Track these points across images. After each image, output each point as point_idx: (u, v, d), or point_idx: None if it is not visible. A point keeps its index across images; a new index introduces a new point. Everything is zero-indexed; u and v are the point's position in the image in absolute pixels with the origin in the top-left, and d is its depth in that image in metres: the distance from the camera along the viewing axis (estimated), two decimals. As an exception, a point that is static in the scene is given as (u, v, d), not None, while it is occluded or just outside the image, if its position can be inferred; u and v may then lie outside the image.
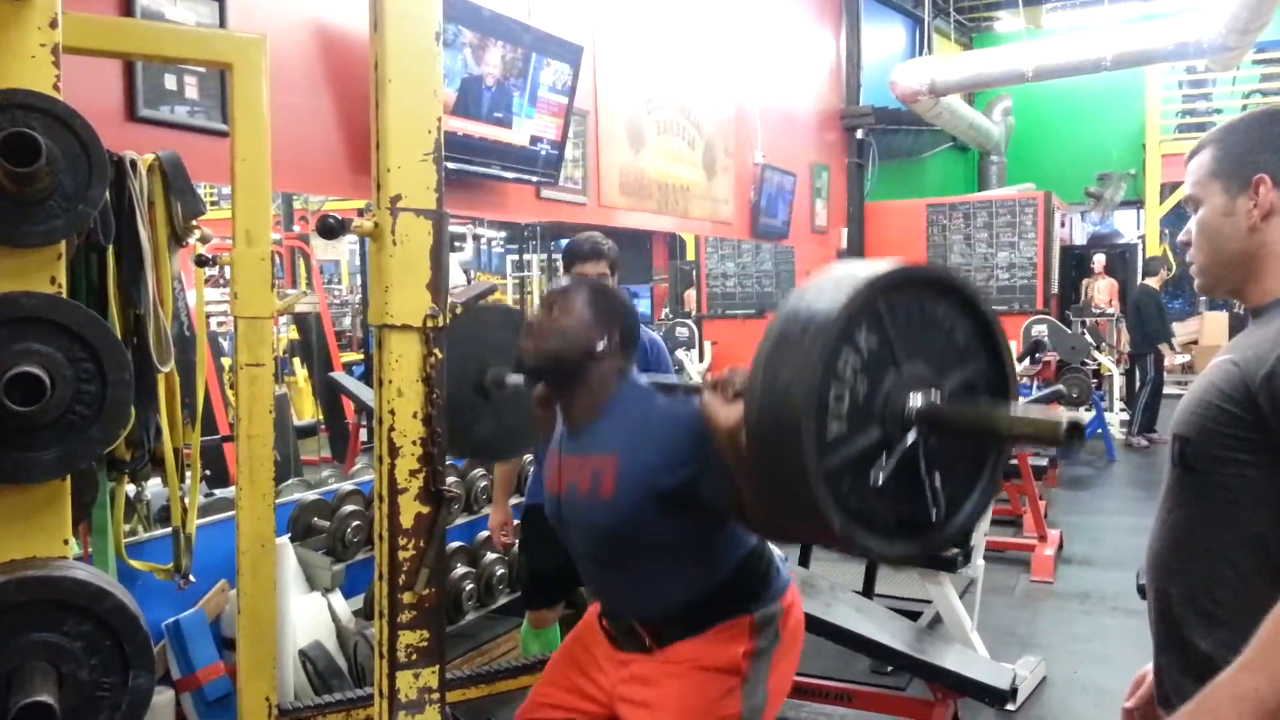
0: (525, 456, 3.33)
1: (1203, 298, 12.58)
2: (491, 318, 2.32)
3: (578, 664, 1.93)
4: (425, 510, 1.58)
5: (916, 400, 1.20)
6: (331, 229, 1.58)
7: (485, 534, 3.55)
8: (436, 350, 1.57)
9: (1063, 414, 1.11)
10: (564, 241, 3.38)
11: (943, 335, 1.27)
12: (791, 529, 1.36)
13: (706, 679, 1.73)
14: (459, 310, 1.68)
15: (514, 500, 3.27)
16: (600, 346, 1.77)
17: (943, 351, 1.26)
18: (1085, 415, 1.20)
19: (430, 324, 1.57)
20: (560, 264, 3.18)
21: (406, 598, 1.57)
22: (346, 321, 8.32)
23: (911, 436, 1.19)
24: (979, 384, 1.29)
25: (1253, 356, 1.12)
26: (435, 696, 1.60)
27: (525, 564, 2.99)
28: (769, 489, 1.25)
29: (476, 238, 10.06)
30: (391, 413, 1.55)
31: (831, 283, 1.21)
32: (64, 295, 1.47)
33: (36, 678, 1.34)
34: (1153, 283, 8.13)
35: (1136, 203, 10.95)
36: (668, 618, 1.76)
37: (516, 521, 3.13)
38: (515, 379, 2.00)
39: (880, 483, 1.19)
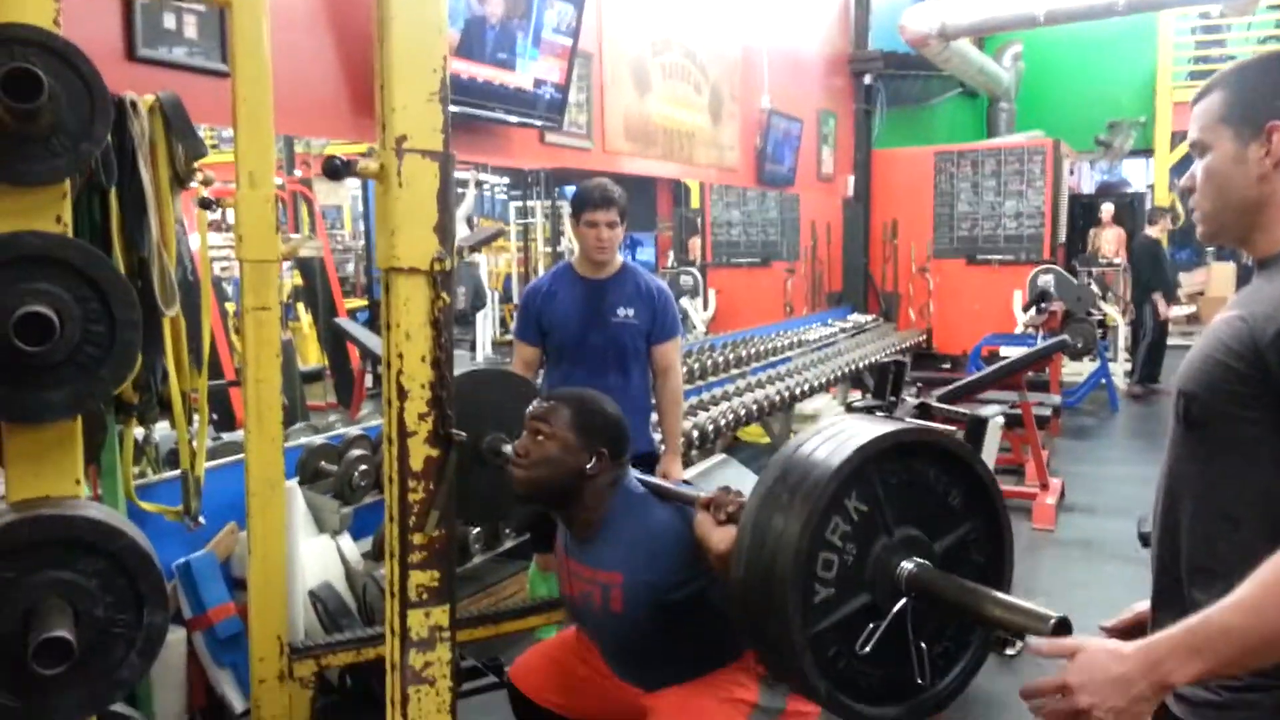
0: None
1: (1209, 248, 12.51)
2: (488, 382, 2.34)
3: (566, 678, 2.06)
4: (434, 453, 1.58)
5: (907, 566, 1.19)
6: (337, 170, 1.55)
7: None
8: (444, 294, 1.56)
9: (1050, 614, 1.10)
10: (568, 188, 3.35)
11: (936, 497, 1.26)
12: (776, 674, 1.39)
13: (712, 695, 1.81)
14: (466, 253, 1.67)
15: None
16: (590, 466, 1.81)
17: (936, 513, 1.25)
18: (1066, 623, 1.23)
19: (438, 267, 1.55)
20: (569, 210, 3.15)
21: (417, 539, 1.58)
22: (350, 267, 8.29)
23: (901, 603, 1.19)
24: (973, 543, 1.28)
25: (1261, 312, 1.10)
26: (446, 634, 1.62)
27: (530, 512, 3.01)
28: (757, 645, 1.27)
29: (479, 184, 9.98)
30: (400, 356, 1.55)
31: (823, 445, 1.21)
32: (70, 235, 1.47)
33: (53, 614, 1.36)
34: (1153, 232, 8.07)
35: (1146, 151, 10.83)
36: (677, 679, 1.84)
37: None
38: (510, 449, 2.03)
39: (868, 650, 1.19)
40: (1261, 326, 1.09)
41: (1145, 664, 1.02)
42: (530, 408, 1.90)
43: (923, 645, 1.22)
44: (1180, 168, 10.36)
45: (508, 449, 2.07)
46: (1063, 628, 1.09)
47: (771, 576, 1.16)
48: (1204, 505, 1.17)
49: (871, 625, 1.19)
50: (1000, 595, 1.18)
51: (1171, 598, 1.22)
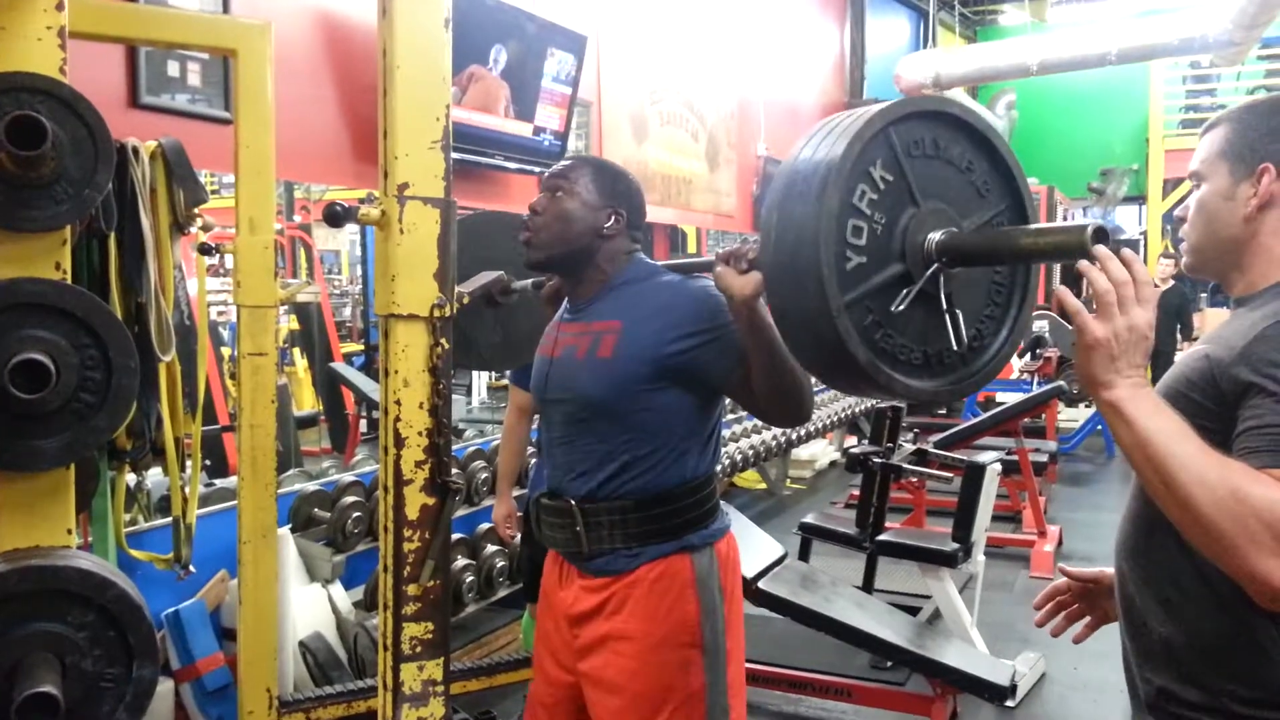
0: (528, 451, 3.32)
1: (1204, 293, 12.58)
2: (497, 226, 2.29)
3: (546, 645, 1.84)
4: (431, 502, 1.57)
5: (936, 234, 1.19)
6: (338, 216, 1.56)
7: (486, 525, 3.54)
8: (443, 340, 1.56)
9: (1088, 221, 1.07)
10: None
11: (960, 174, 1.25)
12: (816, 372, 1.34)
13: (662, 657, 1.65)
14: (465, 301, 1.67)
15: (517, 493, 3.26)
16: (608, 226, 1.73)
17: (962, 192, 1.25)
18: (1103, 230, 1.19)
19: (437, 314, 1.55)
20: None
21: (411, 590, 1.56)
22: (346, 312, 8.30)
23: (933, 268, 1.18)
24: (1001, 225, 1.28)
25: (1223, 347, 1.10)
26: (440, 689, 1.59)
27: (529, 556, 2.98)
28: (792, 329, 1.24)
29: (477, 228, 10.03)
30: (398, 403, 1.54)
31: (838, 123, 1.20)
32: (69, 282, 1.46)
33: (40, 668, 1.33)
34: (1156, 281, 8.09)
35: (1139, 198, 10.94)
36: (611, 502, 1.67)
37: (519, 514, 3.12)
38: (522, 284, 1.96)
39: (901, 307, 1.18)
40: (1222, 360, 1.09)
41: (1140, 363, 1.01)
42: (549, 171, 1.80)
43: (958, 317, 1.22)
44: (1172, 215, 10.47)
45: (518, 284, 1.97)
46: (1100, 235, 1.05)
47: (802, 242, 1.14)
48: (1164, 536, 1.15)
49: (905, 291, 1.18)
50: (1030, 227, 1.18)
51: (1135, 628, 1.22)
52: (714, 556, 1.71)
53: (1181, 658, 1.14)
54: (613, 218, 1.73)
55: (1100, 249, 1.03)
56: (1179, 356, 1.21)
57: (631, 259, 1.77)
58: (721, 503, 1.82)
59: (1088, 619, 1.45)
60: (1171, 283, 7.69)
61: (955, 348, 1.23)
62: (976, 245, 1.20)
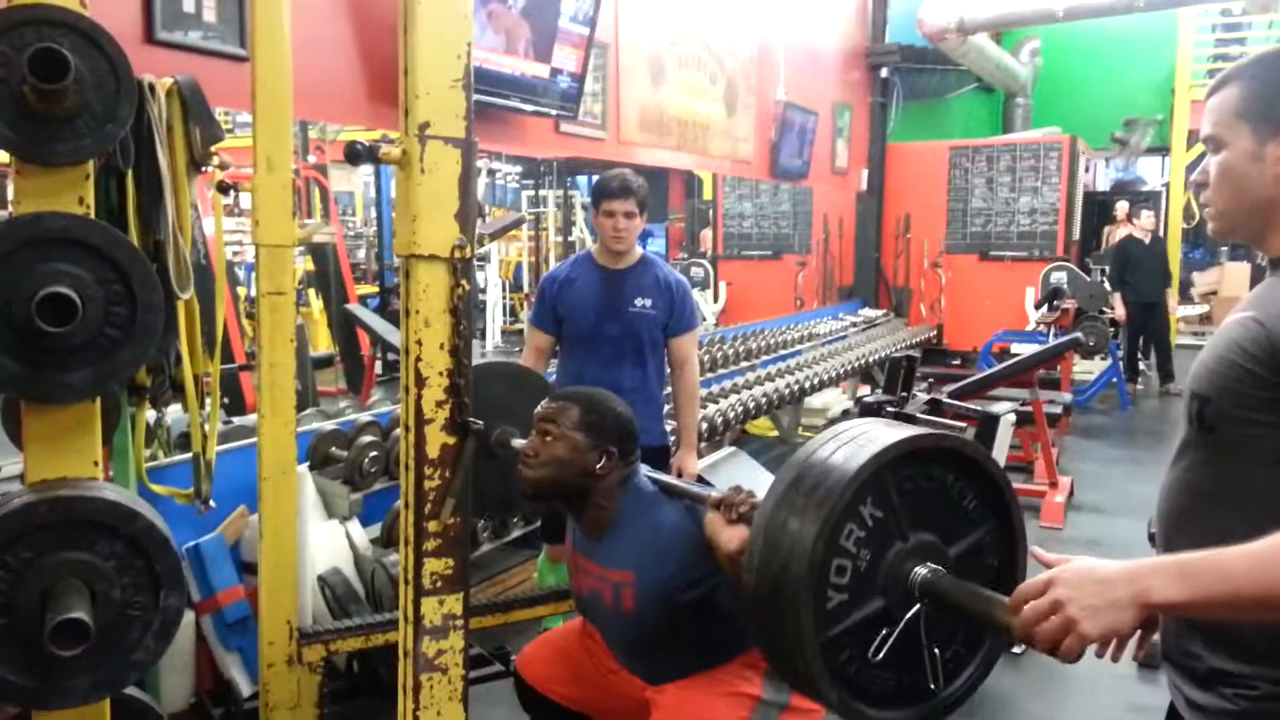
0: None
1: (1223, 247, 12.44)
2: (494, 377, 2.33)
3: (573, 666, 2.08)
4: (451, 441, 1.58)
5: (920, 572, 1.18)
6: (359, 155, 1.55)
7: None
8: (464, 281, 1.56)
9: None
10: (580, 179, 3.33)
11: (952, 502, 1.25)
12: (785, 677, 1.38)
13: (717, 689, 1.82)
14: (486, 240, 1.67)
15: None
16: (599, 466, 1.81)
17: (951, 518, 1.24)
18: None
19: (458, 254, 1.55)
20: (589, 200, 3.14)
21: (432, 526, 1.58)
22: (361, 254, 8.30)
23: (914, 609, 1.18)
24: (987, 547, 1.27)
25: (1277, 314, 1.08)
26: (459, 622, 1.63)
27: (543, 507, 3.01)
28: (767, 650, 1.26)
29: (491, 172, 9.96)
30: (419, 343, 1.55)
31: (840, 450, 1.20)
32: (93, 216, 1.46)
33: (71, 595, 1.36)
34: (1134, 230, 8.06)
35: (1163, 149, 10.75)
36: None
37: None
38: (520, 444, 2.01)
39: (879, 658, 1.18)
40: (1276, 326, 1.07)
41: (1130, 574, 1.00)
42: (538, 409, 1.89)
43: (935, 650, 1.22)
44: (1196, 167, 10.31)
45: (517, 443, 2.07)
46: None
47: (784, 583, 1.15)
48: (1217, 508, 1.15)
49: (884, 631, 1.19)
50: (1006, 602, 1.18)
51: None
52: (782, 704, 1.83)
53: (1236, 634, 1.13)
54: (604, 458, 1.82)
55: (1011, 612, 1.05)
56: (1224, 324, 1.17)
57: (628, 488, 1.86)
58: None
59: None
60: (1154, 235, 8.12)
61: (933, 687, 1.22)
62: (957, 600, 1.17)
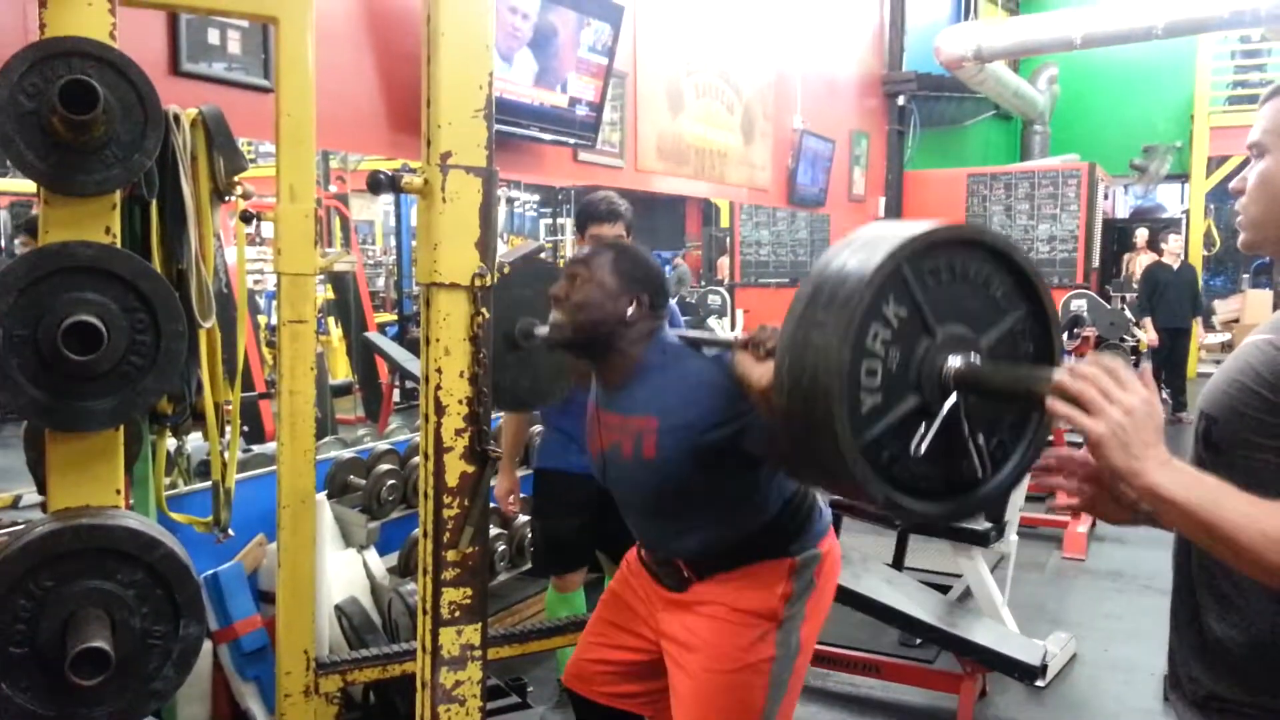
0: (533, 426, 3.34)
1: (1246, 275, 12.34)
2: (524, 272, 2.30)
3: (625, 604, 1.97)
4: (470, 469, 1.58)
5: (954, 362, 1.16)
6: (381, 184, 1.56)
7: (520, 495, 3.56)
8: (484, 309, 1.57)
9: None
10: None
11: (978, 291, 1.23)
12: (833, 494, 1.35)
13: (741, 621, 1.76)
14: (506, 270, 1.67)
15: (522, 473, 3.26)
16: (630, 313, 1.76)
17: (980, 307, 1.22)
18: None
19: (478, 283, 1.56)
20: (574, 225, 3.12)
21: (450, 555, 1.58)
22: (380, 282, 8.35)
23: (951, 400, 1.16)
24: (1021, 333, 1.25)
25: None
26: (477, 653, 1.61)
27: (540, 531, 2.97)
28: (806, 465, 1.24)
29: (510, 200, 10.04)
30: (438, 371, 1.55)
31: (854, 255, 1.17)
32: (119, 245, 1.48)
33: (91, 624, 1.36)
34: (1165, 258, 8.01)
35: (1182, 176, 10.72)
36: (711, 555, 1.78)
37: (524, 495, 3.14)
38: (544, 330, 1.98)
39: (921, 452, 1.16)
40: None
41: (1163, 455, 1.00)
42: (570, 257, 1.86)
43: (979, 439, 1.20)
44: (1216, 194, 10.26)
45: (541, 330, 2.02)
46: None
47: (815, 395, 1.12)
48: None
49: (923, 426, 1.16)
50: (1051, 368, 1.15)
51: (1188, 623, 1.19)
52: (815, 554, 1.82)
53: (1238, 659, 1.11)
54: (634, 304, 1.77)
55: (1054, 373, 1.04)
56: (1240, 345, 1.16)
57: (655, 340, 1.81)
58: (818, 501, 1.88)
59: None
60: (1182, 260, 8.03)
61: (980, 476, 1.21)
62: (994, 382, 1.17)
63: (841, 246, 1.21)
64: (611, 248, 1.85)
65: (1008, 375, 1.17)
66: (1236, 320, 11.51)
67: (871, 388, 1.14)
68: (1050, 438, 1.28)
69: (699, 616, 1.78)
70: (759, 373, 1.49)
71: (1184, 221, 10.62)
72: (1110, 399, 0.99)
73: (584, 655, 2.01)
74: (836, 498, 1.68)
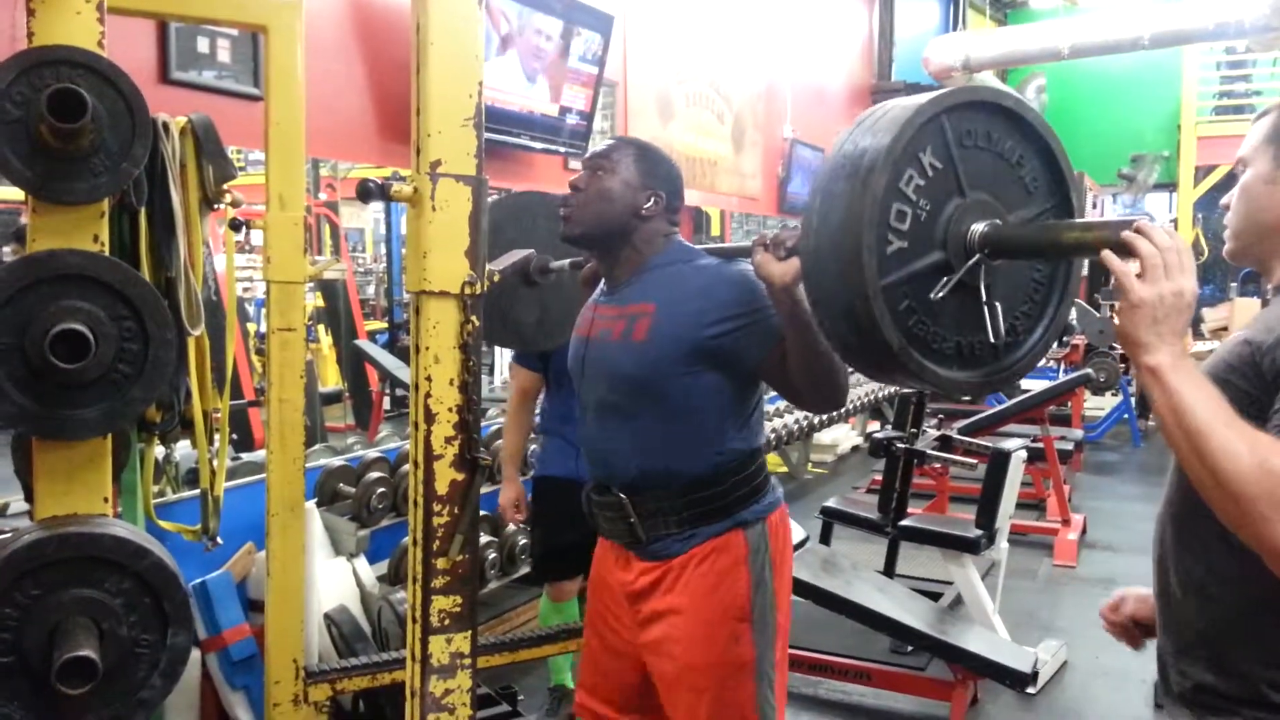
0: (531, 435, 3.32)
1: (1234, 284, 12.41)
2: (535, 206, 2.29)
3: (605, 620, 1.90)
4: (460, 477, 1.58)
5: (979, 225, 1.18)
6: (370, 192, 1.56)
7: (508, 504, 3.55)
8: (474, 317, 1.56)
9: (1132, 216, 1.07)
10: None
11: (1010, 169, 1.24)
12: (848, 358, 1.34)
13: (713, 630, 1.70)
14: (496, 279, 1.67)
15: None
16: (647, 206, 1.75)
17: (1010, 186, 1.23)
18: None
19: (468, 291, 1.56)
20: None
21: (440, 563, 1.57)
22: (370, 290, 8.35)
23: (974, 259, 1.18)
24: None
25: (1263, 331, 1.10)
26: (467, 661, 1.61)
27: (539, 539, 2.97)
28: (826, 309, 1.23)
29: (500, 209, 10.03)
30: (428, 379, 1.55)
31: (894, 106, 1.18)
32: (107, 254, 1.48)
33: (78, 633, 1.35)
34: None
35: (1170, 185, 10.79)
36: (656, 490, 1.71)
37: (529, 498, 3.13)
38: (559, 265, 1.97)
39: (940, 295, 1.17)
40: (1260, 338, 1.09)
41: (1178, 349, 1.01)
42: (590, 150, 1.84)
43: (997, 310, 1.21)
44: (1204, 203, 10.34)
45: (556, 264, 1.99)
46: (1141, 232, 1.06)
47: (845, 223, 1.13)
48: (1203, 525, 1.14)
49: (945, 280, 1.18)
50: (1075, 221, 1.18)
51: (1171, 619, 1.21)
52: (765, 530, 1.75)
53: (1219, 649, 1.13)
54: (652, 199, 1.75)
55: (1143, 221, 1.04)
56: (1219, 345, 1.20)
57: (669, 241, 1.78)
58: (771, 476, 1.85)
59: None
60: None
61: (992, 341, 1.22)
62: (1019, 239, 1.18)
63: (874, 110, 1.22)
64: (633, 143, 1.83)
65: (1033, 231, 1.18)
66: (1225, 329, 11.55)
67: (900, 231, 1.15)
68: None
69: (672, 629, 1.73)
70: (780, 269, 1.46)
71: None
72: (1169, 274, 1.01)
73: (583, 701, 1.95)
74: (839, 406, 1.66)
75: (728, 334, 1.63)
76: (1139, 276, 1.01)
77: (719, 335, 1.63)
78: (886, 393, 6.49)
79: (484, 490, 3.90)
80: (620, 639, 1.86)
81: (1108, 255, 1.05)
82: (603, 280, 1.86)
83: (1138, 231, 1.04)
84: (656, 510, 1.72)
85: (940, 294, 1.17)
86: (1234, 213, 1.23)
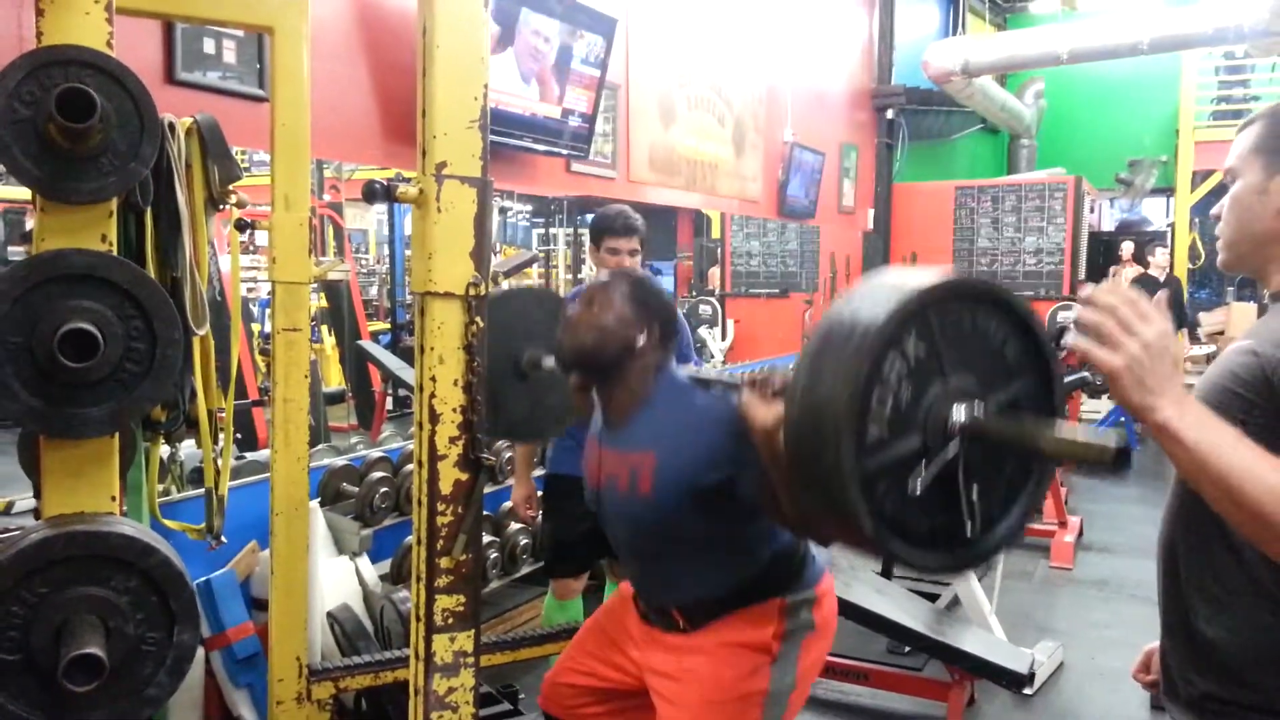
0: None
1: (1230, 287, 12.44)
2: (527, 299, 2.32)
3: (608, 636, 1.97)
4: (464, 477, 1.59)
5: (960, 412, 1.18)
6: (376, 194, 1.58)
7: (509, 504, 3.57)
8: (478, 318, 1.58)
9: (1110, 436, 1.07)
10: (589, 216, 3.37)
11: (992, 350, 1.25)
12: (824, 529, 1.36)
13: (735, 654, 1.76)
14: (500, 279, 1.69)
15: (535, 472, 3.29)
16: (640, 342, 1.79)
17: (991, 366, 1.24)
18: (1127, 452, 1.20)
19: (472, 292, 1.57)
20: (588, 237, 3.16)
21: (444, 563, 1.59)
22: (373, 291, 8.36)
23: (953, 448, 1.18)
24: (1025, 402, 1.27)
25: (1272, 344, 1.10)
26: (470, 660, 1.62)
27: (549, 533, 3.00)
28: (805, 487, 1.25)
29: (503, 211, 10.05)
30: (433, 380, 1.56)
31: (883, 289, 1.20)
32: (115, 253, 1.49)
33: (85, 631, 1.36)
34: (1151, 271, 8.09)
35: (1167, 190, 10.80)
36: (701, 604, 1.79)
37: (540, 494, 3.14)
38: (551, 362, 2.00)
39: (918, 491, 1.17)
40: (1269, 352, 1.09)
41: (1180, 394, 0.99)
42: (587, 284, 1.87)
43: (973, 495, 1.21)
44: (1201, 207, 10.36)
45: (548, 363, 2.04)
46: (1123, 454, 1.05)
47: (826, 409, 1.14)
48: (1211, 533, 1.16)
49: (923, 469, 1.18)
50: (1056, 424, 1.17)
51: (1178, 627, 1.22)
52: (806, 604, 1.81)
53: (1230, 659, 1.14)
54: (645, 334, 1.79)
55: (1085, 289, 1.04)
56: (1223, 353, 1.20)
57: (661, 375, 1.82)
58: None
59: None
60: (1167, 273, 8.22)
61: (968, 535, 1.22)
62: (1000, 434, 1.18)
63: (868, 280, 1.24)
64: (628, 277, 1.86)
65: (1011, 425, 1.18)
66: (1221, 333, 11.57)
67: (880, 418, 1.16)
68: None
69: (689, 652, 1.79)
70: (764, 413, 1.50)
71: (1169, 235, 10.70)
72: (1129, 331, 0.99)
73: (559, 679, 2.03)
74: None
75: (725, 478, 1.68)
76: (1106, 346, 1.00)
77: (716, 482, 1.68)
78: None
79: (490, 490, 3.94)
80: (621, 648, 1.93)
81: (1074, 341, 1.04)
82: (599, 409, 1.91)
83: (1086, 303, 1.02)
84: (702, 611, 1.80)
85: (918, 489, 1.17)
86: (1226, 224, 1.24)
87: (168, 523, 2.46)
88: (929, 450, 1.18)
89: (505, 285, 2.33)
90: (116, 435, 1.53)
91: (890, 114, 8.39)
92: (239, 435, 3.95)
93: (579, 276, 9.22)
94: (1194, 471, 0.99)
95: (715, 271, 9.32)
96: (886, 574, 3.74)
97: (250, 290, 6.07)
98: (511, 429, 2.50)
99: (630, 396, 1.81)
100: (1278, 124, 1.21)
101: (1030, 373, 1.27)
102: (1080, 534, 5.18)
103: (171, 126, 2.20)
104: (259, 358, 5.17)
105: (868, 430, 1.15)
